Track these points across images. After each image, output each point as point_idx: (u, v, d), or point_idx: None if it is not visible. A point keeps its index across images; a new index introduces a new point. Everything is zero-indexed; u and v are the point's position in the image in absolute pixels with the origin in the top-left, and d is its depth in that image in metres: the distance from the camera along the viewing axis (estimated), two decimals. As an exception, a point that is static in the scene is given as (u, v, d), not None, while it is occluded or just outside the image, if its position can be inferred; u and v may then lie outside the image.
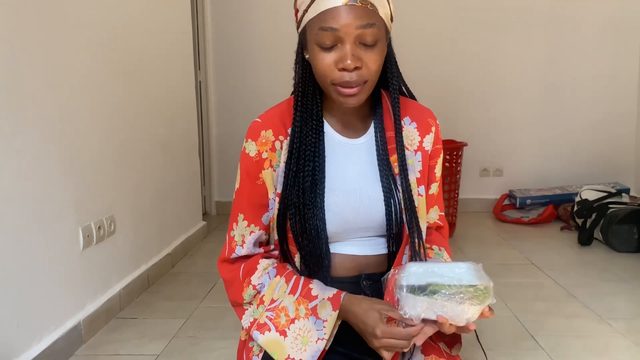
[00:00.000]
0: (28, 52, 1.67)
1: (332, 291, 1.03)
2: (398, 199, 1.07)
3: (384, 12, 0.98)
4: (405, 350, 0.95)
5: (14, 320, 1.59)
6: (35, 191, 1.70)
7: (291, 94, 1.15)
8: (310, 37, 0.98)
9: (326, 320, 1.00)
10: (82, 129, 1.97)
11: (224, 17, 4.03)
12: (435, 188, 1.18)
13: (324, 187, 1.05)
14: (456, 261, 0.98)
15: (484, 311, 0.92)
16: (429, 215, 1.18)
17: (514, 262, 2.81)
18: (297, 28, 1.04)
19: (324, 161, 1.06)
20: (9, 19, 1.58)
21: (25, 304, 1.64)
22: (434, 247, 1.18)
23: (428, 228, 1.20)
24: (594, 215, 3.15)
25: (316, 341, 1.00)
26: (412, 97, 1.17)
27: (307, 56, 1.03)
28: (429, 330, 0.93)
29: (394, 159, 1.08)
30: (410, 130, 1.12)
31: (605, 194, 3.31)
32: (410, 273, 0.93)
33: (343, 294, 1.02)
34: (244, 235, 1.09)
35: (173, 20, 3.00)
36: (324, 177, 1.06)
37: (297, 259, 1.10)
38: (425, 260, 1.10)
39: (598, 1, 3.96)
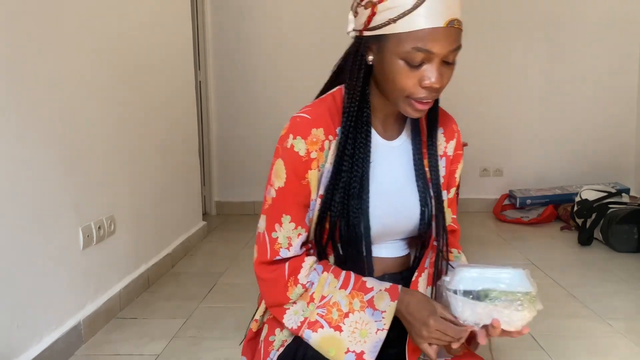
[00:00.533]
0: (29, 54, 1.67)
1: (387, 284, 1.02)
2: (431, 205, 1.08)
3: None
4: (454, 346, 0.94)
5: (14, 321, 1.59)
6: (35, 191, 1.69)
7: (325, 89, 1.13)
8: (395, 49, 0.92)
9: (384, 311, 0.99)
10: (82, 130, 1.97)
11: (224, 17, 4.03)
12: (452, 192, 1.18)
13: (368, 193, 1.03)
14: (503, 266, 0.97)
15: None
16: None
17: (514, 262, 2.81)
18: (366, 27, 0.95)
19: (369, 166, 1.03)
20: (12, 23, 1.58)
21: (25, 304, 1.64)
22: (453, 250, 1.20)
23: None
24: (594, 215, 3.15)
25: (375, 332, 0.98)
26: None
27: (369, 58, 0.97)
28: (481, 333, 0.93)
29: (425, 163, 1.08)
30: (438, 137, 1.11)
31: (605, 194, 3.31)
32: (464, 278, 0.93)
33: (400, 286, 1.02)
34: (291, 238, 1.04)
35: (173, 20, 3.00)
36: (369, 182, 1.03)
37: (331, 259, 1.09)
38: (447, 263, 1.12)
39: (598, 1, 3.96)
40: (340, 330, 0.99)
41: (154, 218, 2.64)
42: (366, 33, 0.96)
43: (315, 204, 1.04)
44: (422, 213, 1.07)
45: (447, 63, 0.95)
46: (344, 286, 1.02)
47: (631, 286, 2.41)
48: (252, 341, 1.19)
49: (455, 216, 1.23)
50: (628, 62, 3.99)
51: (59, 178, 1.82)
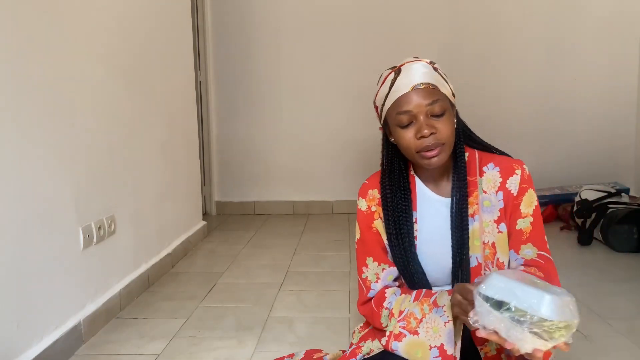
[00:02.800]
0: (29, 54, 1.67)
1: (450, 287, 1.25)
2: (458, 254, 1.26)
3: (445, 90, 1.22)
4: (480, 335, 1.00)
5: (14, 320, 1.59)
6: (36, 191, 1.69)
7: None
8: (391, 122, 1.23)
9: (444, 305, 1.17)
10: (82, 129, 1.97)
11: (224, 18, 4.03)
12: (522, 224, 1.27)
13: (413, 242, 1.28)
14: (549, 288, 0.96)
15: (559, 346, 0.92)
16: (523, 252, 1.27)
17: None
18: (380, 120, 1.30)
19: (412, 221, 1.29)
20: (12, 21, 1.58)
21: (25, 304, 1.64)
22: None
23: (526, 266, 1.26)
24: (593, 215, 3.15)
25: (444, 325, 1.16)
26: (502, 152, 1.38)
27: (392, 139, 1.28)
28: (494, 338, 0.97)
29: (471, 200, 1.27)
30: (492, 174, 1.30)
31: (605, 194, 3.31)
32: (492, 285, 0.96)
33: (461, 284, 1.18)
34: (377, 273, 1.33)
35: (173, 20, 3.00)
36: (413, 234, 1.28)
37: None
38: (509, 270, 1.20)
39: (598, 1, 3.97)
40: (418, 334, 1.19)
41: (154, 218, 2.64)
42: (381, 122, 1.30)
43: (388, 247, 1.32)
44: (454, 263, 1.26)
45: (436, 116, 1.19)
46: (416, 298, 1.24)
47: (631, 286, 2.41)
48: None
49: (543, 252, 1.27)
50: (627, 62, 4.00)
51: (59, 178, 1.82)
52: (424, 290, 1.26)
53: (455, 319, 1.15)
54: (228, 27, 4.04)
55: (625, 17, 3.96)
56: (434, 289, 1.28)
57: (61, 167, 1.84)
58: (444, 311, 1.17)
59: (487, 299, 0.93)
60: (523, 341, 0.90)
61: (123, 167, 2.30)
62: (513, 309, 0.90)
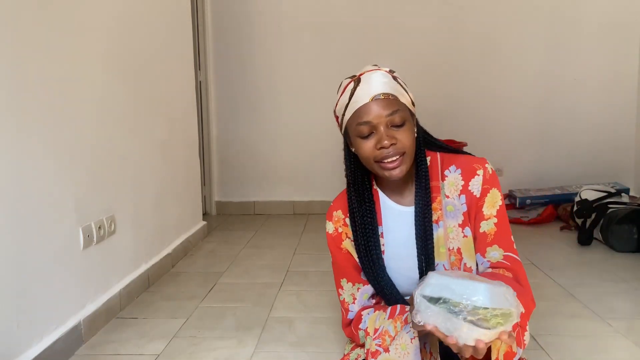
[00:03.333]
0: (30, 53, 1.67)
1: None
2: (423, 262, 1.27)
3: (404, 99, 1.21)
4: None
5: (14, 320, 1.59)
6: (36, 191, 1.69)
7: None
8: (352, 132, 1.23)
9: (411, 322, 1.13)
10: (82, 129, 1.97)
11: (224, 17, 4.03)
12: (486, 226, 1.25)
13: (382, 258, 1.29)
14: (490, 281, 0.98)
15: (501, 336, 0.94)
16: (489, 254, 1.25)
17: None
18: (341, 130, 1.29)
19: (378, 235, 1.30)
20: (12, 21, 1.58)
21: (25, 304, 1.64)
22: None
23: (493, 268, 1.24)
24: (593, 215, 3.15)
25: (411, 341, 1.16)
26: (464, 152, 1.35)
27: (352, 149, 1.27)
28: (438, 335, 0.98)
29: (435, 205, 1.26)
30: (454, 177, 1.28)
31: (604, 194, 3.31)
32: (429, 284, 0.99)
33: None
34: (353, 294, 1.35)
35: (173, 20, 3.00)
36: (380, 248, 1.29)
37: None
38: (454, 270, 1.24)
39: (598, 1, 3.97)
40: (389, 351, 1.19)
41: (154, 218, 2.64)
42: (342, 132, 1.29)
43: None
44: (420, 273, 1.26)
45: (396, 126, 1.18)
46: (391, 315, 1.24)
47: (631, 286, 2.41)
48: None
49: (509, 253, 1.25)
50: (627, 62, 4.00)
51: (59, 178, 1.82)
52: (398, 306, 1.25)
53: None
54: (228, 28, 4.04)
55: (625, 17, 3.95)
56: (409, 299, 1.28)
57: (61, 167, 1.84)
58: (410, 327, 1.16)
59: (426, 297, 0.97)
60: (461, 331, 0.92)
61: (123, 167, 2.30)
62: (448, 302, 0.94)
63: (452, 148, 1.34)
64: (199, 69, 3.90)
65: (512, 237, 1.29)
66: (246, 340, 1.92)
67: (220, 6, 4.02)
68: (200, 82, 3.91)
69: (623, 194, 3.38)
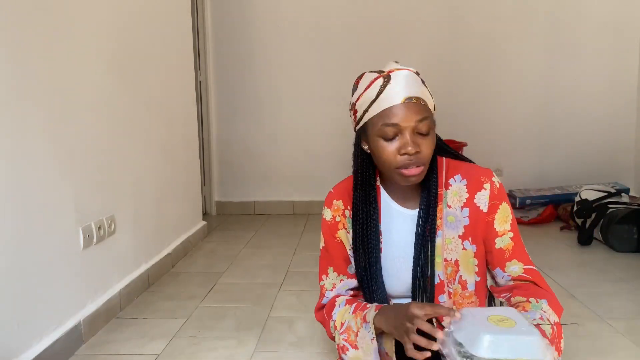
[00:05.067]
0: (29, 53, 1.67)
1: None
2: (420, 271, 1.23)
3: (431, 105, 1.16)
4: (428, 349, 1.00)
5: (14, 320, 1.59)
6: (36, 191, 1.69)
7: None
8: (373, 131, 1.15)
9: (370, 322, 1.16)
10: (82, 129, 1.97)
11: (224, 17, 4.03)
12: (502, 242, 1.24)
13: (379, 256, 1.26)
14: (520, 332, 0.94)
15: None
16: (509, 269, 1.24)
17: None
18: (356, 125, 1.22)
19: (378, 235, 1.26)
20: (12, 21, 1.58)
21: (25, 303, 1.64)
22: (531, 299, 1.19)
23: (514, 281, 1.24)
24: (593, 215, 3.15)
25: (371, 341, 1.15)
26: (467, 160, 1.32)
27: (365, 147, 1.21)
28: None
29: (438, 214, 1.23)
30: (459, 187, 1.24)
31: (604, 194, 3.31)
32: (462, 327, 0.95)
33: (392, 304, 1.22)
34: (335, 283, 1.33)
35: (173, 20, 3.00)
36: (379, 248, 1.25)
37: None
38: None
39: (598, 2, 3.97)
40: (357, 348, 1.19)
41: (154, 218, 2.64)
42: (357, 127, 1.22)
43: (352, 259, 1.30)
44: (413, 278, 1.24)
45: (421, 134, 1.13)
46: (354, 310, 1.23)
47: (631, 286, 2.41)
48: None
49: (529, 266, 1.25)
50: (628, 62, 4.00)
51: (59, 178, 1.82)
52: (363, 303, 1.25)
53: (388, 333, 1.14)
54: (228, 28, 4.04)
55: (625, 17, 3.96)
56: (394, 302, 1.27)
57: (61, 167, 1.84)
58: (370, 327, 1.15)
59: (457, 345, 0.94)
60: None
61: (123, 167, 2.30)
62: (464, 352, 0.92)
63: (458, 153, 1.32)
64: (199, 69, 3.90)
65: (525, 248, 1.29)
66: (246, 340, 1.92)
67: (220, 6, 4.02)
68: (200, 82, 3.91)
69: (623, 194, 3.39)
